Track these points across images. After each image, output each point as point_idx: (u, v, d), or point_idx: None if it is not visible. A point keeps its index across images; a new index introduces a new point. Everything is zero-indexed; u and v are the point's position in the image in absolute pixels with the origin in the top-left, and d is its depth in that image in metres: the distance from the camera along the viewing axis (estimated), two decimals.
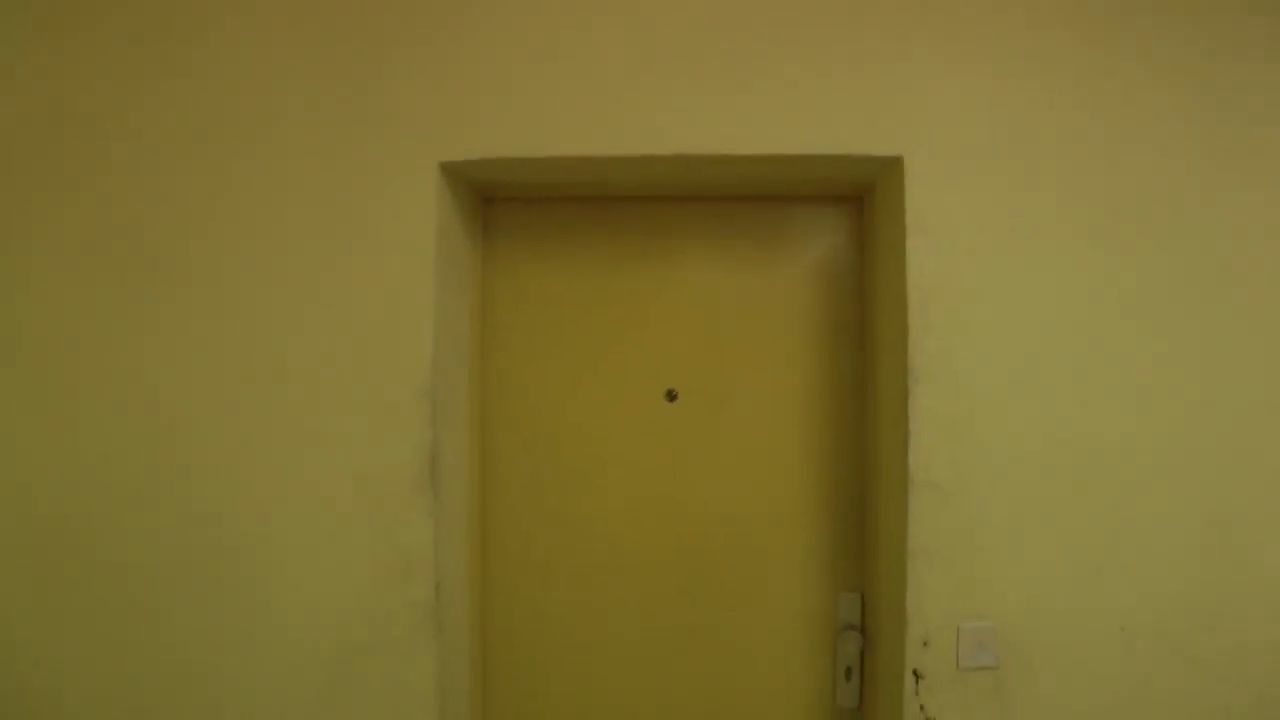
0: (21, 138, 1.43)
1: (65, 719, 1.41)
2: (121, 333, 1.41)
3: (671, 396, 1.66)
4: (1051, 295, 1.42)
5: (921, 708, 1.43)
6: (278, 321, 1.40)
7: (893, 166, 1.45)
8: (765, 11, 1.41)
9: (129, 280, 1.41)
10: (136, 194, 1.41)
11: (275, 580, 1.41)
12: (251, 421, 1.40)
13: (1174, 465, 1.42)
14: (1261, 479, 1.43)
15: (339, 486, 1.40)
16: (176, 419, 1.39)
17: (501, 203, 1.67)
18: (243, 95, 1.41)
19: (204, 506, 1.40)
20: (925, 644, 1.42)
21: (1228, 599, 1.43)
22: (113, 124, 1.42)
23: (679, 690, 1.67)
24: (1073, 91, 1.43)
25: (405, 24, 1.42)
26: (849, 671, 1.63)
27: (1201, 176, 1.43)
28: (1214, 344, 1.43)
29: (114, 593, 1.40)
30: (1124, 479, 1.42)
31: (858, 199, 1.66)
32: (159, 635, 1.41)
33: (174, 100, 1.41)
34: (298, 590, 1.41)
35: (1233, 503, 1.43)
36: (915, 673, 1.42)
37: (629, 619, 1.67)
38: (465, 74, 1.42)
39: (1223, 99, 1.43)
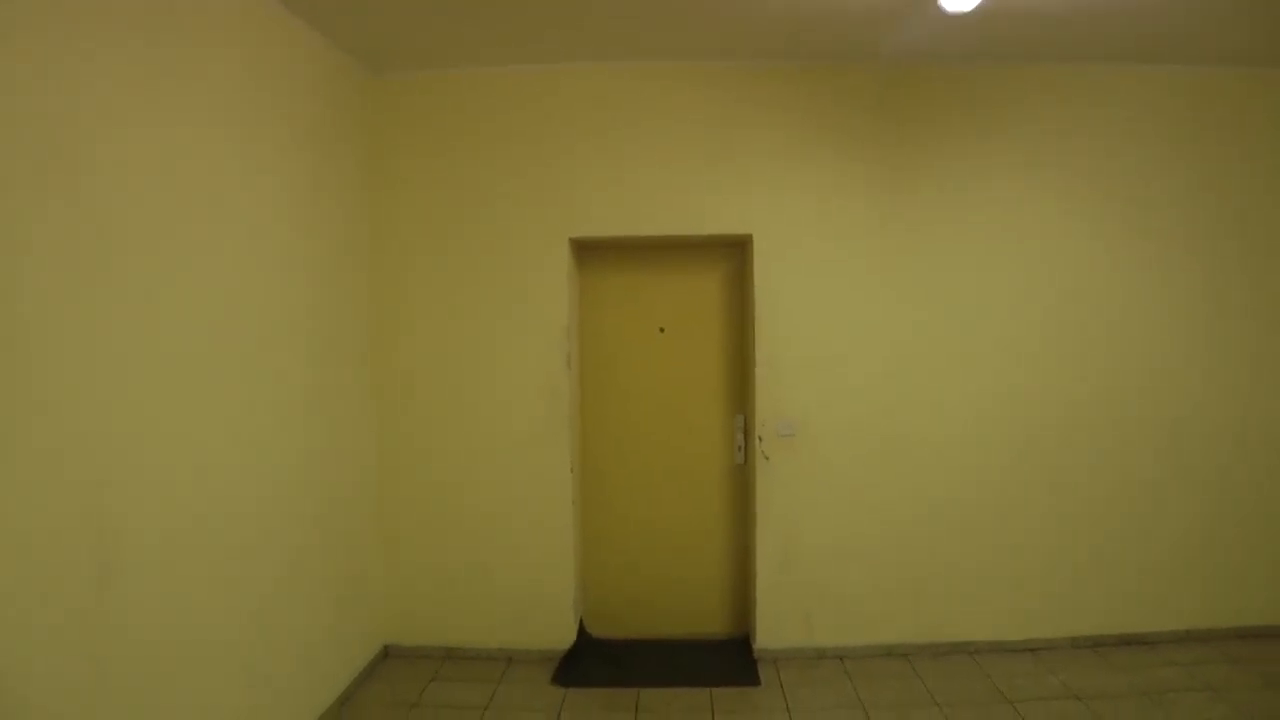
0: (409, 232, 3.56)
1: (433, 475, 3.60)
2: (488, 342, 3.57)
3: (662, 330, 3.83)
4: (814, 280, 3.57)
5: (763, 453, 3.60)
6: (515, 302, 3.55)
7: (749, 236, 3.59)
8: (699, 182, 3.54)
9: (483, 312, 3.56)
10: (475, 272, 3.56)
11: (506, 407, 3.58)
12: (507, 346, 3.56)
13: (874, 359, 3.58)
14: (925, 363, 3.59)
15: (532, 367, 3.57)
16: (498, 355, 3.56)
17: (589, 248, 3.80)
18: (502, 206, 3.55)
19: (490, 372, 3.57)
20: (763, 425, 3.59)
21: (900, 414, 3.60)
22: (454, 238, 3.56)
23: (666, 463, 3.86)
24: (833, 194, 3.56)
25: (547, 178, 3.55)
26: (739, 448, 3.81)
27: (916, 220, 3.56)
28: (931, 304, 3.59)
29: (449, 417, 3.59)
30: (841, 362, 3.58)
31: (742, 244, 3.79)
32: (467, 427, 3.59)
33: (479, 225, 3.55)
34: (515, 410, 3.58)
35: (904, 368, 3.59)
36: (759, 438, 3.60)
37: (644, 426, 3.85)
38: (579, 200, 3.55)
39: (921, 181, 3.55)
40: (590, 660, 3.58)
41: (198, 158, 2.33)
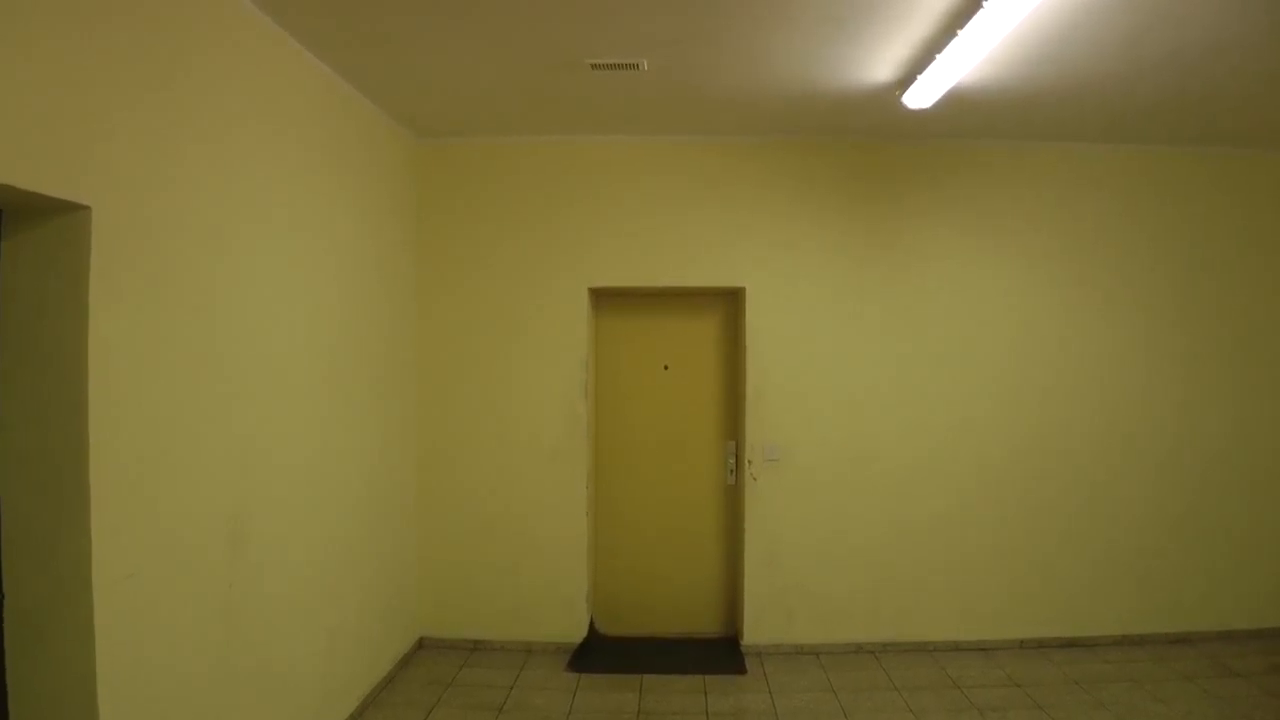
0: (450, 279, 4.22)
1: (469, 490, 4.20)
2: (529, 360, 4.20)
3: (666, 367, 4.45)
4: (799, 325, 4.19)
5: (752, 475, 4.19)
6: (541, 339, 4.18)
7: (742, 288, 4.22)
8: (699, 241, 4.20)
9: (514, 348, 4.20)
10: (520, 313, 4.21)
11: (532, 427, 4.19)
12: (534, 377, 4.18)
13: (847, 392, 4.19)
14: (893, 395, 4.20)
15: (555, 395, 4.19)
16: (526, 385, 4.19)
17: (605, 295, 4.44)
18: (532, 260, 4.20)
19: (519, 399, 4.18)
20: (752, 450, 4.18)
21: (869, 440, 4.19)
22: (489, 285, 4.21)
23: (668, 482, 4.44)
24: (815, 251, 4.20)
25: (569, 234, 4.20)
26: (731, 470, 4.39)
27: (885, 273, 4.20)
28: (898, 345, 4.20)
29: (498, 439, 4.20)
30: (820, 395, 4.19)
31: (735, 294, 4.42)
32: (496, 444, 4.19)
33: (511, 274, 4.21)
34: (539, 430, 4.18)
35: (874, 400, 4.19)
36: (749, 461, 4.19)
37: (649, 449, 4.44)
38: (598, 255, 4.20)
39: (888, 239, 4.19)
40: (600, 653, 4.12)
41: (302, 228, 3.00)
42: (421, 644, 4.19)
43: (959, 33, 2.66)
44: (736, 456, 4.36)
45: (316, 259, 3.11)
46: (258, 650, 2.62)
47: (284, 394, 2.84)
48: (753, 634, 4.14)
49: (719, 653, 4.13)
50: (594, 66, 3.16)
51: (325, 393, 3.16)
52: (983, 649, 4.13)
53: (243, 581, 2.54)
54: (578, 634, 4.17)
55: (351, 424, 3.40)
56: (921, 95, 3.26)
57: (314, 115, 3.11)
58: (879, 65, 3.14)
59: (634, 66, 3.16)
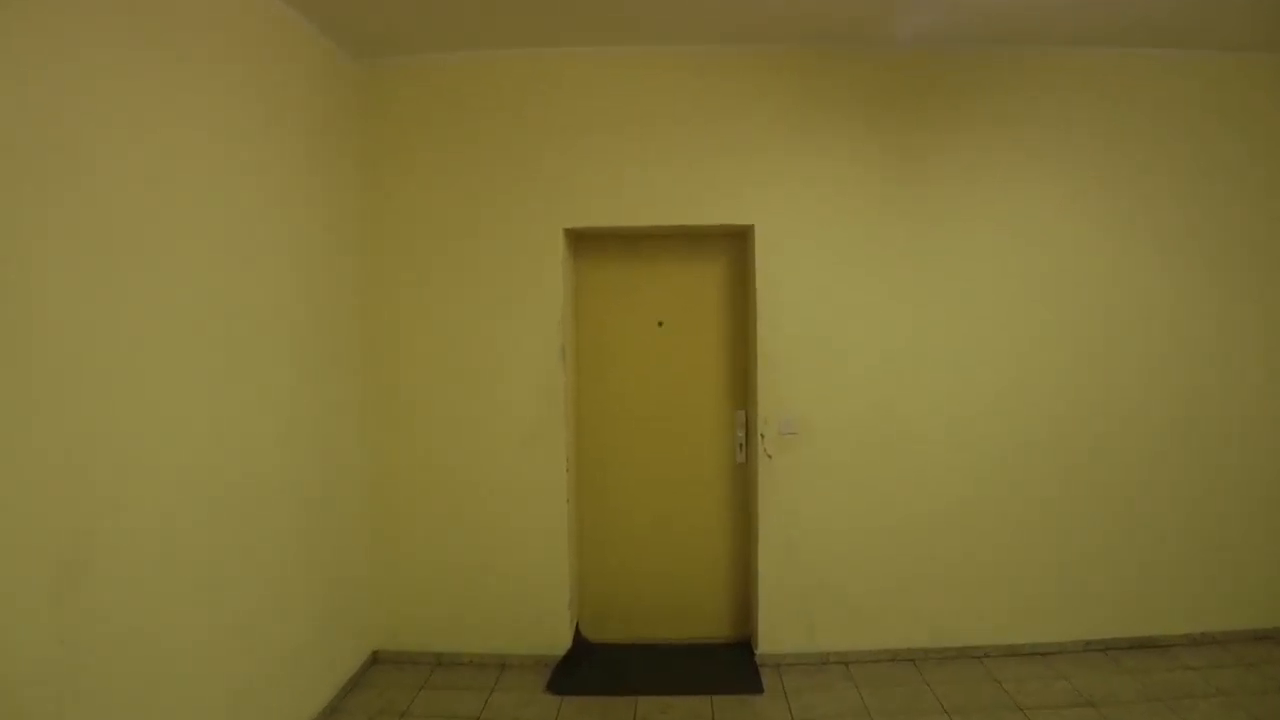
0: (399, 224, 3.42)
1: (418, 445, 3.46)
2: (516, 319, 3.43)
3: (660, 324, 3.69)
4: (817, 274, 3.44)
5: (765, 451, 3.48)
6: (509, 295, 3.42)
7: (750, 226, 3.45)
8: (699, 170, 3.41)
9: (476, 305, 3.42)
10: (489, 260, 3.42)
11: (500, 403, 3.45)
12: (500, 341, 3.43)
13: (876, 353, 3.46)
14: (926, 357, 3.47)
15: (526, 363, 3.43)
16: (490, 350, 3.43)
17: (585, 238, 3.66)
18: (495, 196, 3.41)
19: (482, 368, 3.43)
20: (765, 422, 3.47)
21: (901, 410, 3.48)
22: (445, 230, 3.41)
23: (665, 462, 3.73)
24: (838, 184, 3.43)
25: (541, 167, 3.41)
26: (740, 446, 3.69)
27: (908, 225, 3.44)
28: (937, 296, 3.46)
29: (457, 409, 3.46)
30: (843, 358, 3.46)
31: (743, 235, 3.65)
32: (458, 425, 3.46)
33: (471, 216, 3.41)
34: (509, 407, 3.44)
35: (906, 363, 3.47)
36: (762, 435, 3.48)
37: (642, 422, 3.72)
38: (575, 190, 3.41)
39: (925, 168, 3.43)
40: (587, 666, 3.46)
41: (182, 156, 2.21)
42: (376, 659, 3.51)
43: None
44: (746, 430, 3.65)
45: (202, 199, 2.32)
46: None
47: (149, 375, 2.08)
48: (769, 641, 3.49)
49: (730, 664, 3.47)
50: None
51: (222, 370, 2.40)
52: (1040, 653, 3.49)
53: (83, 637, 1.82)
54: (560, 644, 3.50)
55: (269, 412, 2.65)
56: None
57: (205, 17, 2.31)
58: None
59: None
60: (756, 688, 3.25)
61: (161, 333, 2.13)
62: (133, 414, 2.01)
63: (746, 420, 3.65)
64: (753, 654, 3.51)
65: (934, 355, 3.48)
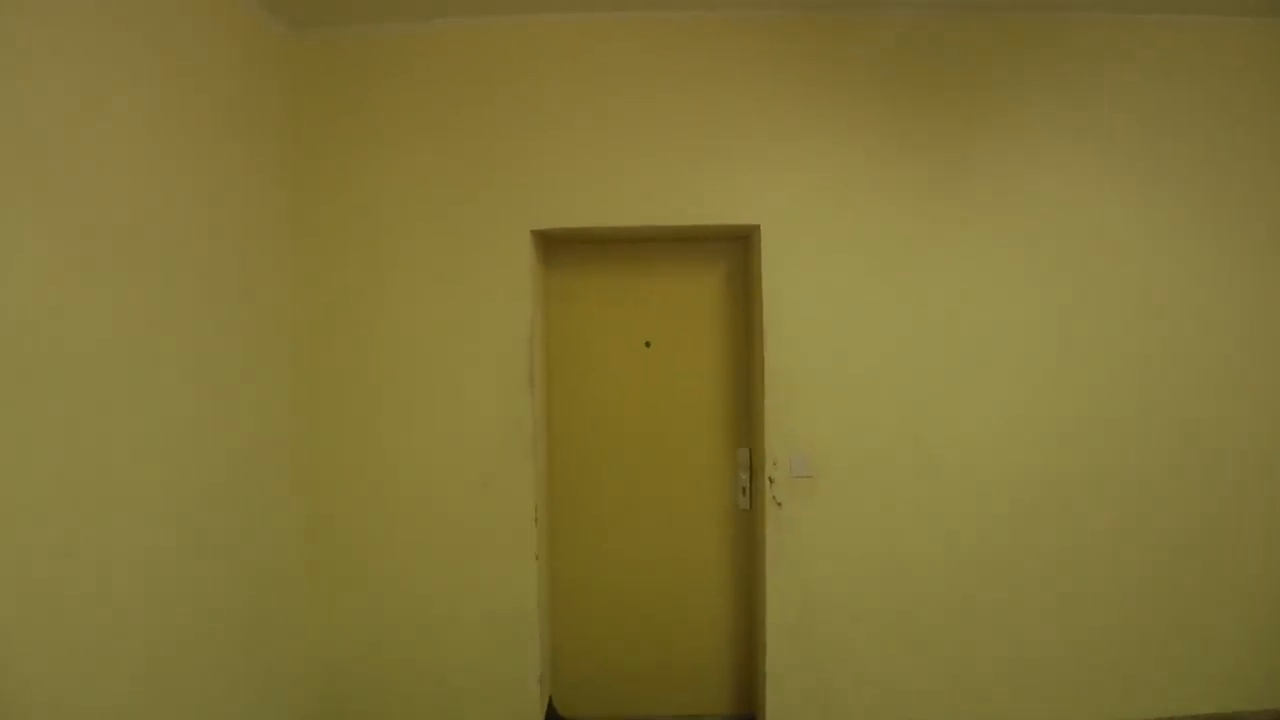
0: (334, 228, 2.83)
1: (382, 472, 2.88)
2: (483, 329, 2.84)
3: (648, 344, 3.11)
4: (825, 284, 2.86)
5: (774, 497, 2.90)
6: (471, 301, 2.83)
7: (756, 227, 2.86)
8: (693, 161, 2.82)
9: (423, 321, 2.84)
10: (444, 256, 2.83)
11: (453, 441, 2.86)
12: (454, 365, 2.84)
13: (907, 367, 2.88)
14: (966, 390, 2.89)
15: (485, 392, 2.85)
16: (442, 377, 2.84)
17: (557, 242, 3.08)
18: (446, 191, 2.82)
19: (432, 399, 2.85)
20: (774, 464, 2.89)
21: (936, 450, 2.90)
22: (386, 232, 2.82)
23: (654, 508, 3.15)
24: (857, 177, 2.84)
25: (503, 155, 2.82)
26: (743, 490, 3.10)
27: (928, 225, 2.86)
28: (988, 307, 2.88)
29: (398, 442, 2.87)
30: (870, 385, 2.87)
31: (747, 237, 3.07)
32: (402, 469, 2.87)
33: (417, 215, 2.82)
34: (463, 445, 2.86)
35: (924, 386, 2.89)
36: (770, 479, 2.90)
37: (626, 460, 3.14)
38: (544, 184, 2.82)
39: (963, 157, 2.84)
40: None
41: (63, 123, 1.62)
42: None
43: None
44: (751, 470, 3.07)
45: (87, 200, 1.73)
46: None
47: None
48: (779, 719, 2.92)
49: None
50: None
51: (100, 410, 1.81)
52: None
53: None
54: None
55: (162, 453, 2.07)
56: None
57: None
58: None
59: None
60: None
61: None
62: None
63: (751, 459, 3.07)
64: None
65: (988, 380, 2.90)
